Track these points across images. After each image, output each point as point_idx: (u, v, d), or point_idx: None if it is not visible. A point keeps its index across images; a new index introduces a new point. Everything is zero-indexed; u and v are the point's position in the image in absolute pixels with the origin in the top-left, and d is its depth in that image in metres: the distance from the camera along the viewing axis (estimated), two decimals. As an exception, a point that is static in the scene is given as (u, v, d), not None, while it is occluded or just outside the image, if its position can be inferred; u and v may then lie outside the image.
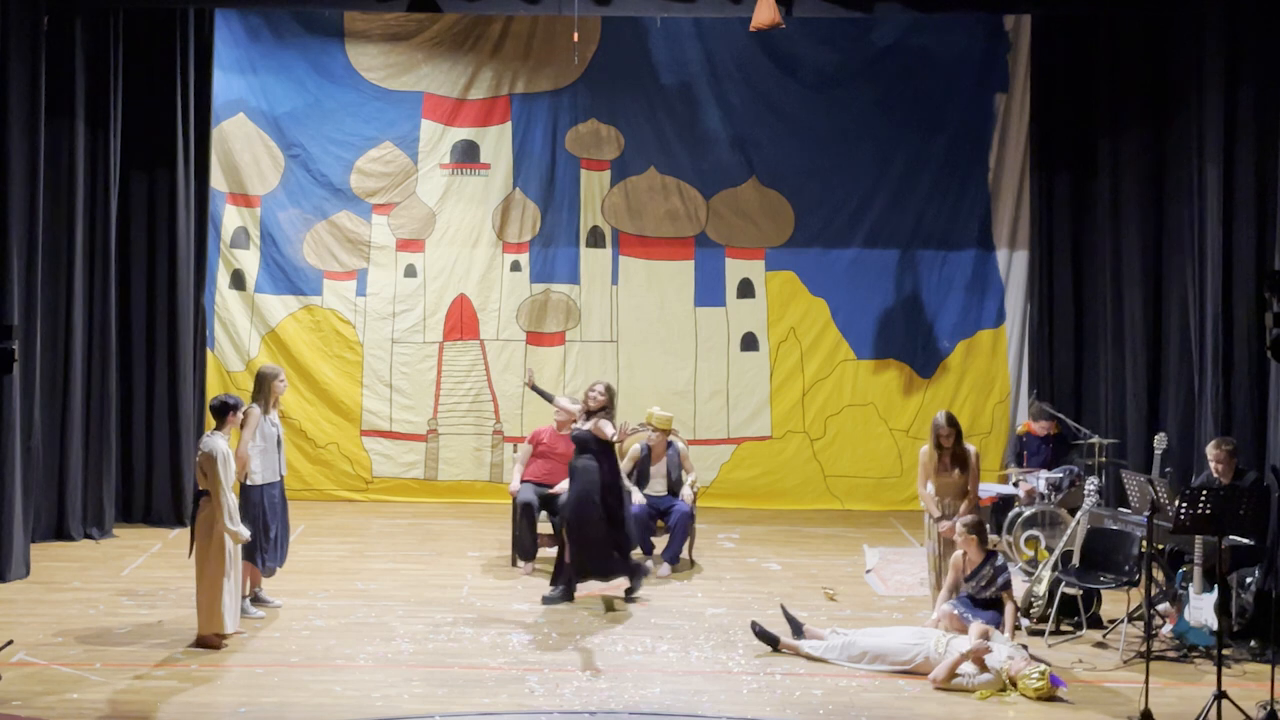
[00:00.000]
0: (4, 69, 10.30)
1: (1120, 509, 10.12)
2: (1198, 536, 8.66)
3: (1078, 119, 12.97)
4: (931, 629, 8.93)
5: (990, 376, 13.73)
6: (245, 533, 8.81)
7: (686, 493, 11.03)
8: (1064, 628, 9.48)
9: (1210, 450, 9.32)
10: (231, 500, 8.76)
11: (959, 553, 9.14)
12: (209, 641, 8.78)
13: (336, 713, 7.77)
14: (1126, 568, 9.26)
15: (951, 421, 9.50)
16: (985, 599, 8.98)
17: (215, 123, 13.02)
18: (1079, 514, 10.05)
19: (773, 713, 7.91)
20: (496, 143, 13.70)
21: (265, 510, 9.44)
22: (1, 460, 10.36)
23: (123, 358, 12.27)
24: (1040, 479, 11.06)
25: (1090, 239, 12.94)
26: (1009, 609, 8.95)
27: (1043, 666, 8.29)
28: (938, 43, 13.51)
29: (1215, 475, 9.22)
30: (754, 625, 9.07)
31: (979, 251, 13.73)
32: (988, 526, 9.73)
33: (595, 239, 13.80)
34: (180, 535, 11.74)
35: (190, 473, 12.26)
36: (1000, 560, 9.13)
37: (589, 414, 9.96)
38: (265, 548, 9.50)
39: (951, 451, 9.45)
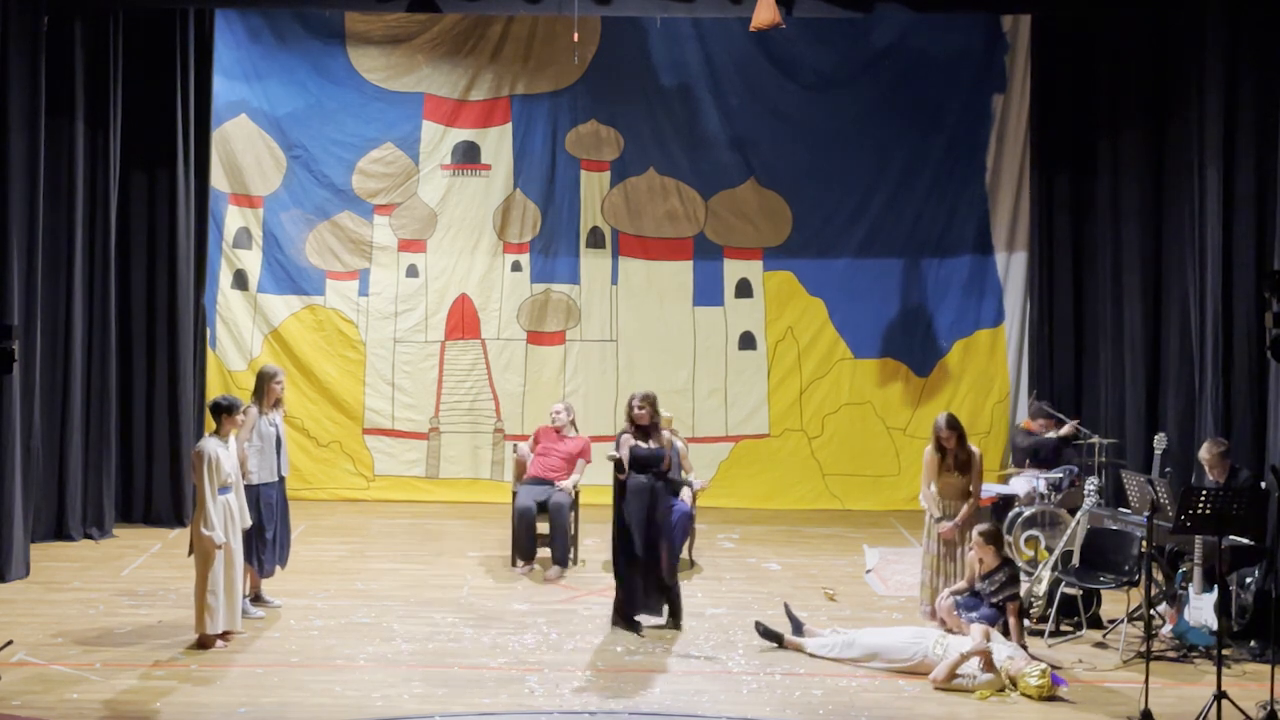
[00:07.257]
0: (4, 69, 10.30)
1: (1120, 509, 10.12)
2: (1197, 536, 8.67)
3: (1077, 119, 12.95)
4: (931, 629, 8.93)
5: (989, 376, 13.73)
6: (218, 537, 8.62)
7: (686, 493, 11.01)
8: (1064, 628, 9.47)
9: (1203, 452, 9.33)
10: (215, 503, 8.64)
11: (974, 555, 9.11)
12: (205, 641, 8.78)
13: (336, 713, 7.77)
14: (1126, 568, 9.25)
15: (952, 424, 9.46)
16: (994, 603, 8.97)
17: (217, 124, 13.05)
18: (1079, 514, 10.05)
19: (773, 713, 7.91)
20: (497, 144, 13.72)
21: (261, 511, 9.38)
22: (1, 460, 10.36)
23: (123, 358, 12.26)
24: (1040, 479, 11.05)
25: (1090, 239, 12.92)
26: (1013, 619, 8.90)
27: (1043, 665, 8.29)
28: (936, 43, 13.51)
29: (1210, 476, 9.23)
30: (758, 625, 9.08)
31: (977, 252, 13.73)
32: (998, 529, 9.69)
33: (595, 239, 13.81)
34: (180, 535, 11.76)
35: (190, 473, 12.30)
36: (1015, 570, 9.08)
37: (642, 429, 9.40)
38: (262, 549, 9.47)
39: (954, 454, 9.44)
